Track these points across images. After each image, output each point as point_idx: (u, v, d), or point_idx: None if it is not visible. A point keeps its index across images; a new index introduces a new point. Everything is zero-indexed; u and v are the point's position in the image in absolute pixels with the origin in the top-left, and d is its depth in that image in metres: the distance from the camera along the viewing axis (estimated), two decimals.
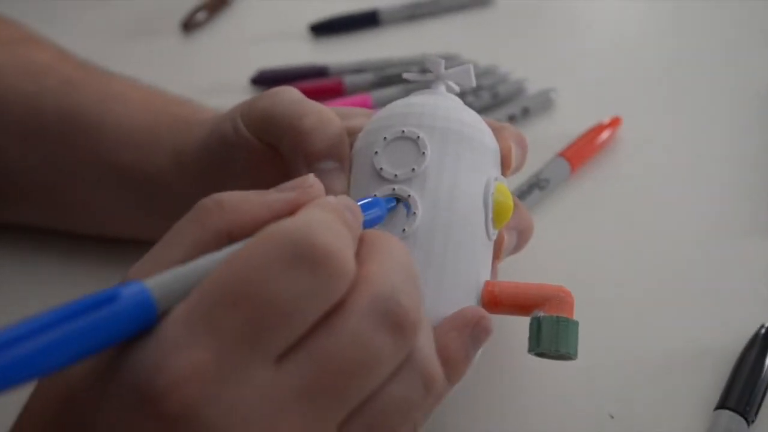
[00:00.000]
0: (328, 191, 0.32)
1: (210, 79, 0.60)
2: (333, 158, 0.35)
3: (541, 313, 0.33)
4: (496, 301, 0.34)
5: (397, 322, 0.26)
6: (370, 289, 0.26)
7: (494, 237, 0.35)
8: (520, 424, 0.37)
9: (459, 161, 0.34)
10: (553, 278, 0.43)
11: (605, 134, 0.50)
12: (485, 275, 0.35)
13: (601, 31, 0.60)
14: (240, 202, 0.28)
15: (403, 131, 0.34)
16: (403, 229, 0.33)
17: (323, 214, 0.27)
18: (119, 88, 0.47)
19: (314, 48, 0.63)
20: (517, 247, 0.39)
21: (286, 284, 0.24)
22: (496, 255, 0.37)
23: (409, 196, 0.33)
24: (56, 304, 0.23)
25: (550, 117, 0.53)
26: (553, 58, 0.59)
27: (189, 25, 0.65)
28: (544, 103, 0.53)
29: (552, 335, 0.32)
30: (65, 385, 0.26)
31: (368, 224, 0.31)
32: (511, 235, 0.37)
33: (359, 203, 0.31)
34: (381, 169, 0.34)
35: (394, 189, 0.34)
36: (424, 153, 0.34)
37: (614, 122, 0.50)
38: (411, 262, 0.28)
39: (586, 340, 0.39)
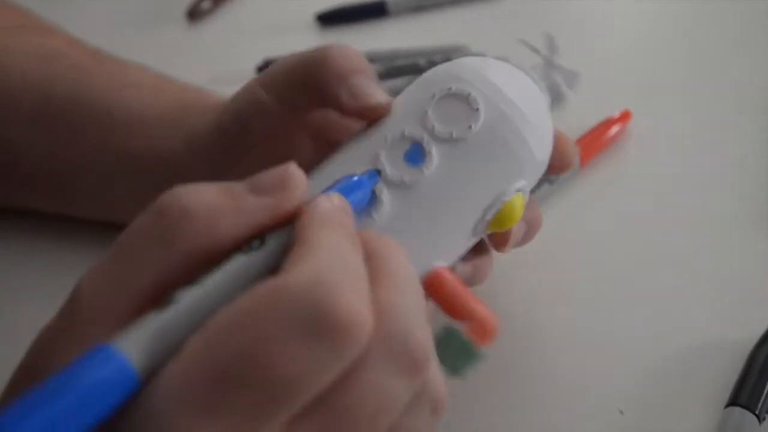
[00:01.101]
0: (371, 104, 0.33)
1: (216, 68, 0.59)
2: (362, 73, 0.35)
3: (455, 326, 0.32)
4: (431, 289, 0.32)
5: (414, 361, 0.24)
6: (387, 330, 0.24)
7: (481, 235, 0.35)
8: (530, 419, 0.37)
9: (485, 164, 0.33)
10: (563, 272, 0.43)
11: (615, 128, 0.49)
12: (442, 262, 0.33)
13: (611, 24, 0.60)
14: (211, 212, 0.24)
15: (451, 88, 0.34)
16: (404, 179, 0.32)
17: (333, 258, 0.23)
18: (130, 74, 0.46)
19: (321, 38, 0.63)
20: (524, 240, 0.38)
21: (302, 357, 0.21)
22: (501, 244, 0.36)
23: (423, 138, 0.33)
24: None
25: (559, 110, 0.52)
26: (563, 50, 0.58)
27: (194, 14, 0.65)
28: (554, 96, 0.53)
29: (448, 348, 0.31)
30: None
31: (357, 204, 0.30)
32: (519, 226, 0.37)
33: (342, 188, 0.29)
34: (433, 127, 0.33)
35: (404, 131, 0.33)
36: (477, 109, 0.33)
37: (624, 116, 0.50)
38: (416, 279, 0.26)
39: (595, 335, 0.39)
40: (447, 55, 0.56)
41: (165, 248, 0.24)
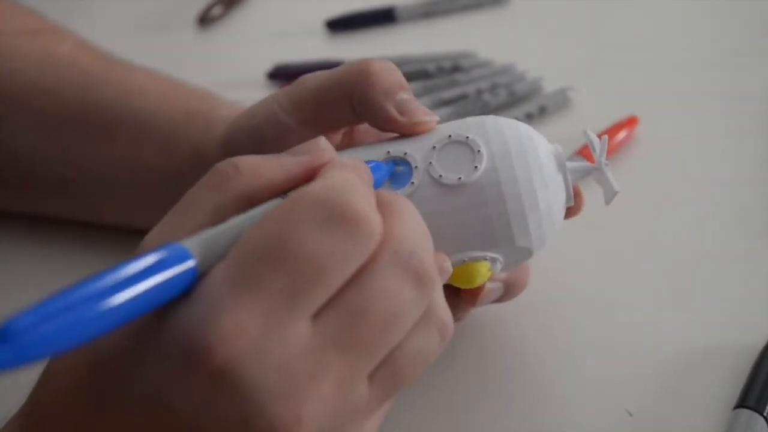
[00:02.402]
0: (421, 120, 0.34)
1: (226, 73, 0.60)
2: (405, 89, 0.35)
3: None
4: None
5: (419, 276, 0.27)
6: (395, 246, 0.27)
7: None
8: (539, 421, 0.37)
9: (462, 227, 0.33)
10: (570, 275, 0.43)
11: (622, 134, 0.50)
12: None
13: (618, 30, 0.60)
14: (256, 165, 0.29)
15: (450, 136, 0.33)
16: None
17: (348, 176, 0.28)
18: (139, 80, 0.47)
19: (330, 44, 0.63)
20: (503, 299, 0.38)
21: (323, 244, 0.25)
22: (469, 299, 0.36)
23: (405, 153, 0.33)
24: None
25: (567, 116, 0.53)
26: (570, 56, 0.59)
27: (205, 20, 0.66)
28: (562, 101, 0.53)
29: None
30: (93, 351, 0.26)
31: (375, 185, 0.31)
32: (496, 286, 0.37)
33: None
34: (440, 176, 0.33)
35: (389, 152, 0.33)
36: (479, 151, 0.33)
37: (631, 121, 0.50)
38: (423, 224, 0.29)
39: (604, 338, 0.40)
40: (455, 60, 0.56)
41: (218, 192, 0.28)
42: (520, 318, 0.37)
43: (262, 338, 0.25)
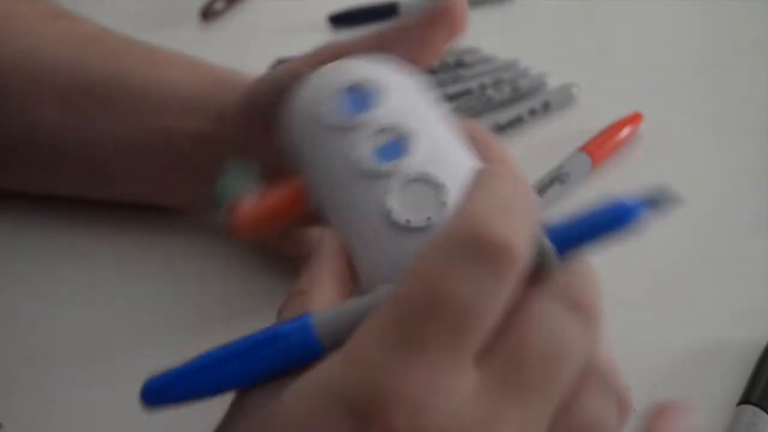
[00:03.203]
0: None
1: (228, 68, 0.60)
2: None
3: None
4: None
5: (580, 305, 0.26)
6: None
7: None
8: None
9: None
10: None
11: (626, 131, 0.50)
12: None
13: (622, 26, 0.60)
14: None
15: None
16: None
17: (496, 193, 0.25)
18: (163, 54, 0.47)
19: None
20: None
21: (470, 283, 0.24)
22: None
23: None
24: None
25: (570, 112, 0.53)
26: (574, 52, 0.58)
27: (207, 14, 0.65)
28: (565, 97, 0.53)
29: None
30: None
31: None
32: None
33: None
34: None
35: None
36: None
37: (635, 118, 0.50)
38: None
39: (608, 333, 0.39)
40: (458, 56, 0.56)
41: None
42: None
43: (432, 393, 0.23)
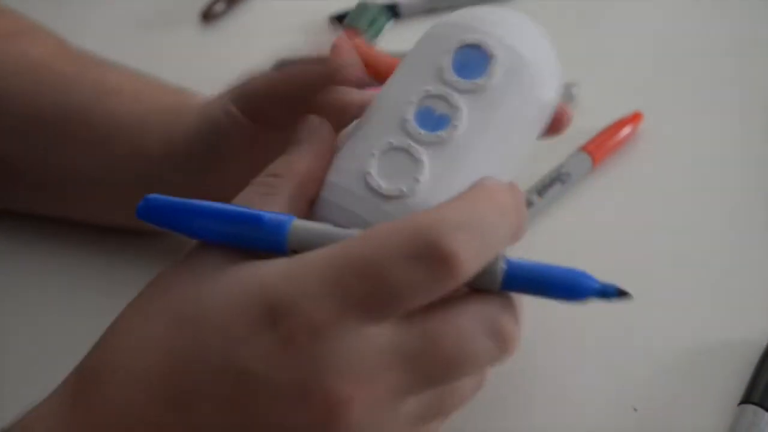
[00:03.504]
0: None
1: (229, 69, 0.59)
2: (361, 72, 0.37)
3: None
4: None
5: (497, 332, 0.29)
6: (484, 301, 0.29)
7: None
8: (543, 417, 0.37)
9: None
10: None
11: (626, 130, 0.50)
12: None
13: (622, 26, 0.60)
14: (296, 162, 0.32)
15: (464, 40, 0.34)
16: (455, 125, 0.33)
17: (474, 213, 0.28)
18: (112, 80, 0.48)
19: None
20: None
21: (406, 277, 0.27)
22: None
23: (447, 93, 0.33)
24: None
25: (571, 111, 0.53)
26: (574, 52, 0.58)
27: (208, 16, 0.66)
28: (566, 97, 0.53)
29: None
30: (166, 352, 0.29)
31: None
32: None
33: None
34: (456, 80, 0.33)
35: (428, 90, 0.33)
36: (494, 56, 0.33)
37: (635, 118, 0.50)
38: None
39: (610, 333, 0.40)
40: None
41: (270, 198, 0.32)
42: (522, 317, 0.37)
43: (335, 329, 0.27)
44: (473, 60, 0.33)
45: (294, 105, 0.37)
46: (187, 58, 0.62)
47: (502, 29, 0.34)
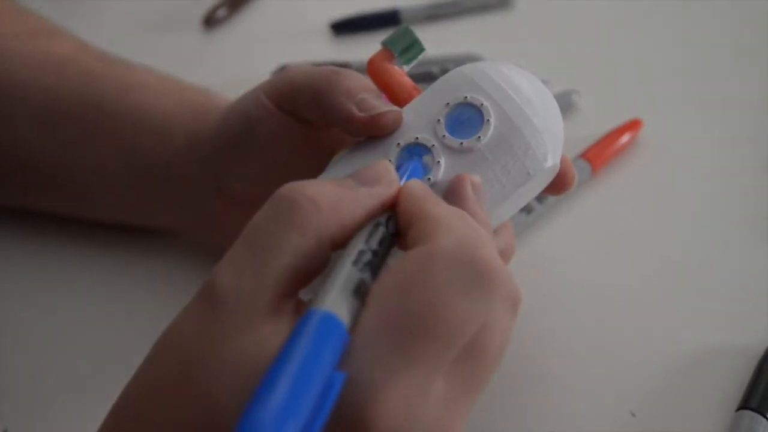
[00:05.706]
0: (380, 111, 0.34)
1: (231, 75, 0.60)
2: (370, 90, 0.36)
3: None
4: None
5: (516, 308, 0.29)
6: (509, 287, 0.28)
7: None
8: (542, 422, 0.37)
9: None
10: (572, 279, 0.43)
11: (625, 137, 0.50)
12: None
13: (622, 33, 0.61)
14: (335, 201, 0.28)
15: (466, 97, 0.34)
16: (428, 178, 0.33)
17: (471, 225, 0.28)
18: (138, 76, 0.48)
19: (334, 46, 0.63)
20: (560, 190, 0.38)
21: (465, 305, 0.26)
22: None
23: (416, 138, 0.34)
24: None
25: (571, 119, 0.53)
26: (575, 59, 0.59)
27: (210, 22, 0.66)
28: (566, 104, 0.53)
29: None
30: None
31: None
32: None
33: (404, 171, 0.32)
34: (461, 143, 0.34)
35: (398, 144, 0.34)
36: (488, 121, 0.34)
37: (634, 125, 0.51)
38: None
39: (608, 339, 0.40)
40: (460, 63, 0.57)
41: (300, 233, 0.27)
42: (521, 319, 0.37)
43: (416, 406, 0.25)
44: (468, 119, 0.34)
45: (324, 101, 0.36)
46: (188, 64, 0.62)
47: (508, 94, 0.34)
